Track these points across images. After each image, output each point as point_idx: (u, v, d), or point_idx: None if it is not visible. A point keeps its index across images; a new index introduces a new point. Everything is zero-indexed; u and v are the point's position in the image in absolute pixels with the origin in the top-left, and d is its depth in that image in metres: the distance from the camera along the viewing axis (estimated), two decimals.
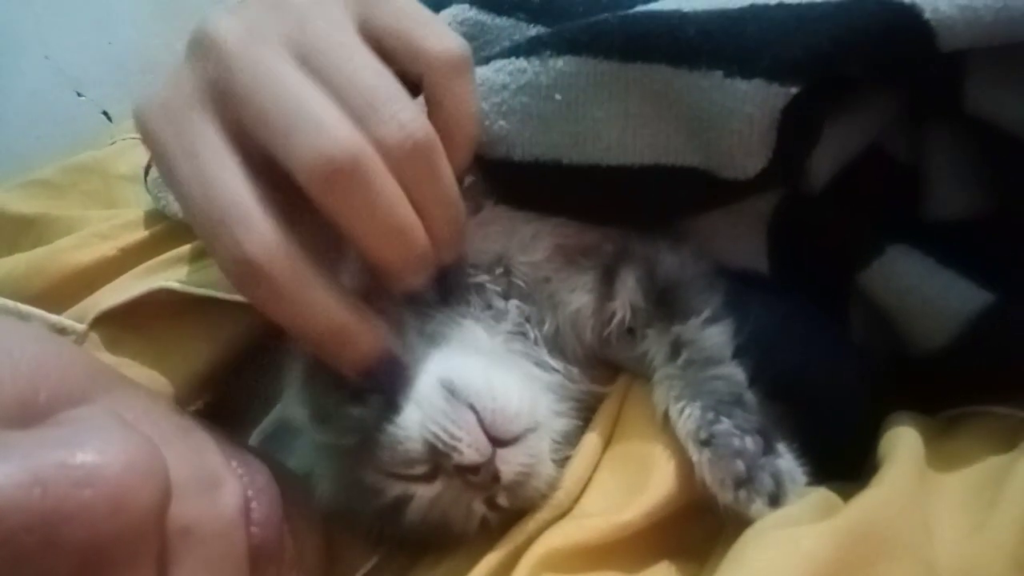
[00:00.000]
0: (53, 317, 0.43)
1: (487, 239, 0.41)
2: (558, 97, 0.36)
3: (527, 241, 0.41)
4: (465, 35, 0.41)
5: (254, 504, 0.33)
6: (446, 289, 0.38)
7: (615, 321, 0.40)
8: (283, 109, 0.31)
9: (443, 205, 0.34)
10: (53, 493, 0.23)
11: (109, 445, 0.25)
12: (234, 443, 0.35)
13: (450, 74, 0.35)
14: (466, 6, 0.43)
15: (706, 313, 0.39)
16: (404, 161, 0.32)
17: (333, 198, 0.31)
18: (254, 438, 0.44)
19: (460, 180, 0.36)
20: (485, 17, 0.42)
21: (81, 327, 0.42)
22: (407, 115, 0.32)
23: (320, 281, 0.32)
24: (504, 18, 0.42)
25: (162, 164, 0.33)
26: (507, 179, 0.39)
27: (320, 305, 0.32)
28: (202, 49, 0.33)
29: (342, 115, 0.31)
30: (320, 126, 0.31)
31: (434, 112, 0.35)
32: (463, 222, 0.36)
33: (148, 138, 0.34)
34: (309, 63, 0.32)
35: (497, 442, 0.34)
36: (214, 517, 0.31)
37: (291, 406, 0.38)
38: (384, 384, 0.35)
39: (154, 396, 0.36)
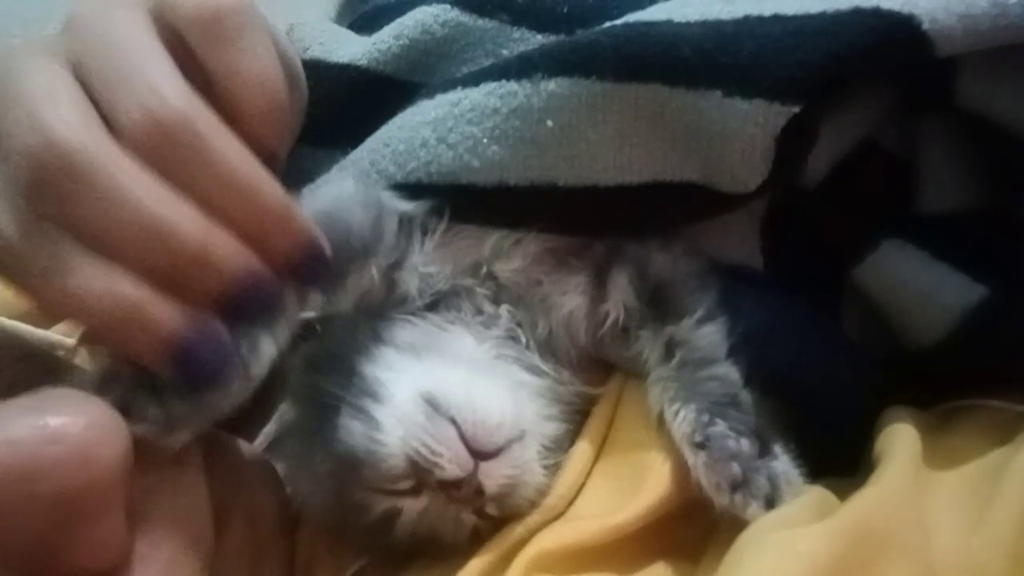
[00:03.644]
0: (41, 332, 0.42)
1: (458, 253, 0.40)
2: (550, 123, 0.36)
3: (506, 247, 0.40)
4: (447, 36, 0.41)
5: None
6: (317, 283, 0.33)
7: (608, 322, 0.40)
8: (20, 105, 0.28)
9: (226, 189, 0.29)
10: (25, 450, 0.25)
11: (73, 409, 0.26)
12: None
13: (210, 34, 0.31)
14: (447, 6, 0.42)
15: (699, 312, 0.38)
16: (156, 148, 0.28)
17: (51, 206, 0.28)
18: (258, 443, 0.44)
19: (271, 154, 0.31)
20: (467, 18, 0.41)
21: (70, 342, 0.42)
22: (153, 98, 0.28)
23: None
24: (487, 20, 0.41)
25: None
26: (501, 204, 0.38)
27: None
28: None
29: (69, 113, 0.28)
30: (37, 131, 0.28)
31: (212, 81, 0.31)
32: (279, 205, 0.30)
33: None
34: (82, 65, 0.30)
35: (479, 455, 0.34)
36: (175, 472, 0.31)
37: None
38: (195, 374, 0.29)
39: None
